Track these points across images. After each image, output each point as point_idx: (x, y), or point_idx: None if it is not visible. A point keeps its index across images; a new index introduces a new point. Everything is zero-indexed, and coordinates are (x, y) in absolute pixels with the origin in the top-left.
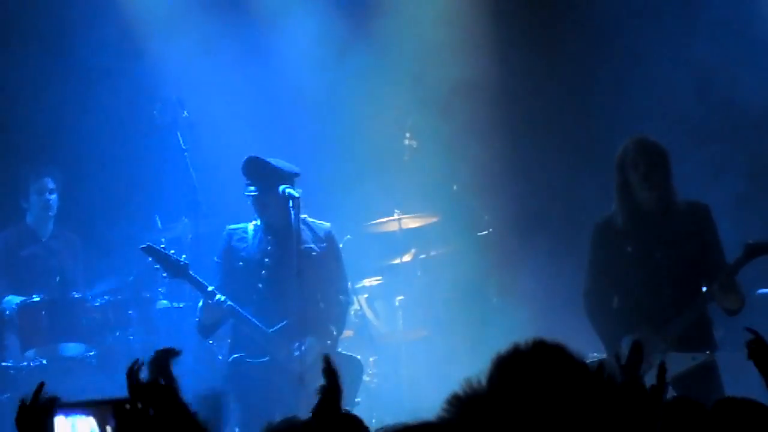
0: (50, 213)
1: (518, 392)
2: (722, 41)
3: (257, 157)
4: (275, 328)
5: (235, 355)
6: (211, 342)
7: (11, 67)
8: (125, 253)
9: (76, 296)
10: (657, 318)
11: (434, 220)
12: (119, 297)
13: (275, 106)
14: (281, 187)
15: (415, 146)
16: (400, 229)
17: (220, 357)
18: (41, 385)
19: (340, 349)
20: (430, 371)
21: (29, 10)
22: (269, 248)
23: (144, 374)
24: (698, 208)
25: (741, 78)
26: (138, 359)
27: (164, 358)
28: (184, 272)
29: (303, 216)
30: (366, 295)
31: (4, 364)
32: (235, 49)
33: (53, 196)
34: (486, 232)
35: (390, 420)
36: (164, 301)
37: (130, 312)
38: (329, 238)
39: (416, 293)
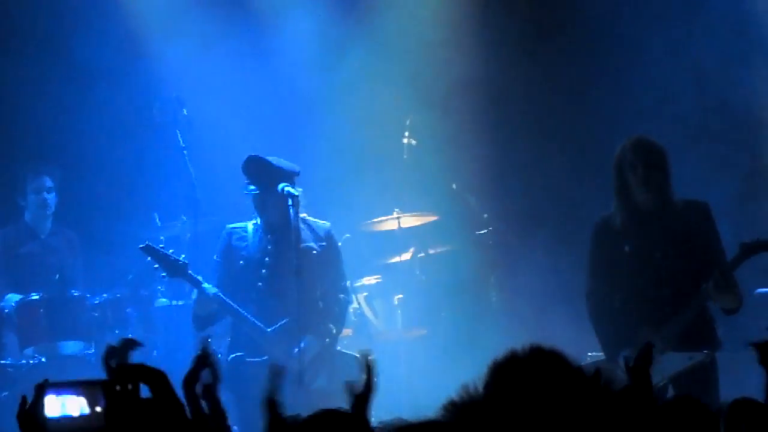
0: (48, 211)
1: (515, 398)
2: (721, 41)
3: (257, 156)
4: (274, 327)
5: (234, 354)
6: (209, 340)
7: (11, 66)
8: (124, 251)
9: (75, 294)
10: (656, 318)
11: (433, 218)
12: (118, 295)
13: (274, 104)
14: (281, 186)
15: (414, 145)
16: (399, 228)
17: (219, 356)
18: (43, 385)
19: (339, 348)
20: (428, 369)
21: (29, 9)
22: (269, 247)
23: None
24: (697, 207)
25: (739, 78)
26: (109, 344)
27: (125, 348)
28: (183, 271)
29: (302, 215)
30: (365, 294)
31: (2, 362)
32: (235, 48)
33: (51, 195)
34: (485, 230)
35: (389, 418)
36: (163, 300)
37: (128, 310)
38: (329, 237)
39: (415, 292)
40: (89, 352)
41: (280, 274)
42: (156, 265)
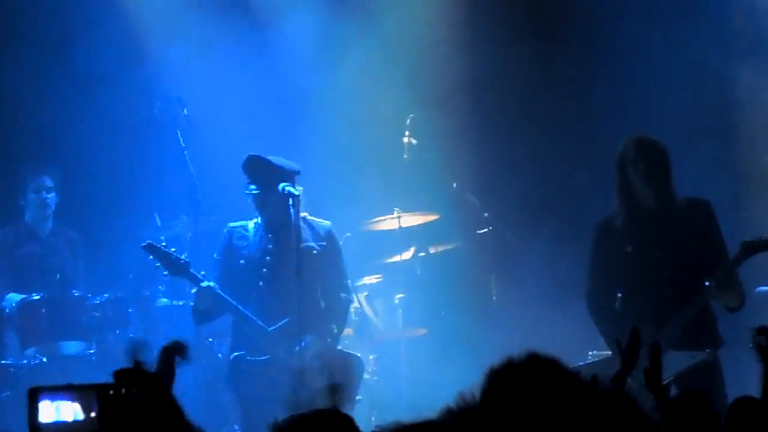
0: (48, 211)
1: (511, 406)
2: (720, 41)
3: (258, 156)
4: (275, 326)
5: (236, 354)
6: (210, 340)
7: (11, 67)
8: (125, 251)
9: (76, 294)
10: (658, 317)
11: (434, 218)
12: (119, 295)
13: (275, 103)
14: (281, 185)
15: (414, 144)
16: (400, 227)
17: (220, 355)
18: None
19: (340, 347)
20: (429, 369)
21: (29, 10)
22: (270, 246)
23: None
24: (699, 205)
25: (738, 78)
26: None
27: (172, 351)
28: (185, 270)
29: (303, 214)
30: (366, 293)
31: (3, 362)
32: (235, 48)
33: (51, 195)
34: (485, 230)
35: (390, 418)
36: (164, 299)
37: (129, 310)
38: (329, 237)
39: (416, 291)
40: (90, 352)
41: (280, 274)
42: (158, 264)
